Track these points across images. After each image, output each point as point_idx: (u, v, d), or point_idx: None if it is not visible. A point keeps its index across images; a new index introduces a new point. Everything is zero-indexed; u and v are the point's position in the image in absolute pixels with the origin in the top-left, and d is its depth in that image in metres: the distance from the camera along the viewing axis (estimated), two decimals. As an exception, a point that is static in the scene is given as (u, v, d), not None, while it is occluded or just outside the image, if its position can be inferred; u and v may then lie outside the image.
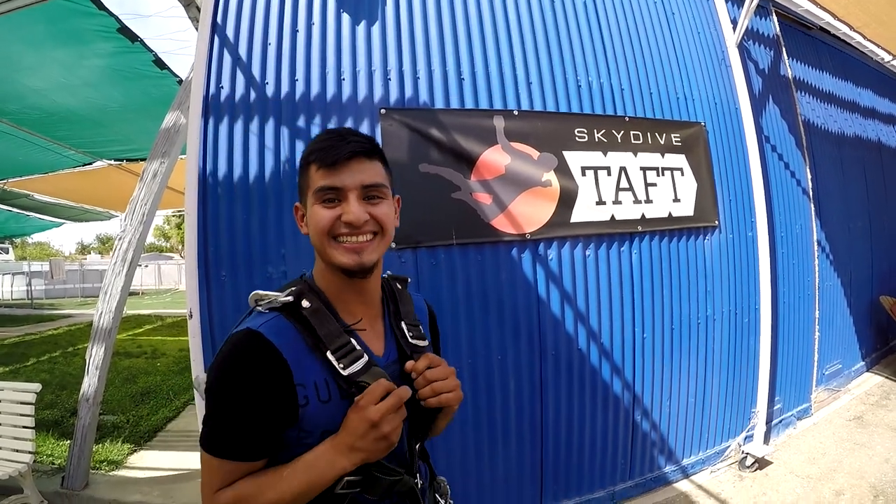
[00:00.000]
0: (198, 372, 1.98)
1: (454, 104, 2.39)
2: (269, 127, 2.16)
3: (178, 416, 4.35)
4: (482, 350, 2.34)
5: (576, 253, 2.54)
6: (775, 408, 3.32)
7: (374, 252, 0.84)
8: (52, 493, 2.95)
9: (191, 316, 1.98)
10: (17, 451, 2.74)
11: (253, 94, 2.16)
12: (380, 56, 2.33)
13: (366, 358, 0.80)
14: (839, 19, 3.89)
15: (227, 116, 2.12)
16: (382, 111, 2.26)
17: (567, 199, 2.51)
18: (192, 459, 3.40)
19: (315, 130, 2.20)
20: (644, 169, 2.74)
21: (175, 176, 3.40)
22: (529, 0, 2.65)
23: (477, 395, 2.33)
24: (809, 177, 3.70)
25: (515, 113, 2.47)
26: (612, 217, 2.61)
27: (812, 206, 3.69)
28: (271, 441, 0.77)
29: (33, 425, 2.76)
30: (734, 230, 3.09)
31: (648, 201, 2.72)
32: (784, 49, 3.75)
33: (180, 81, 3.85)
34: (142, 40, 3.38)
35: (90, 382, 3.01)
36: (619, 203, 2.64)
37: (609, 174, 2.63)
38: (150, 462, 3.46)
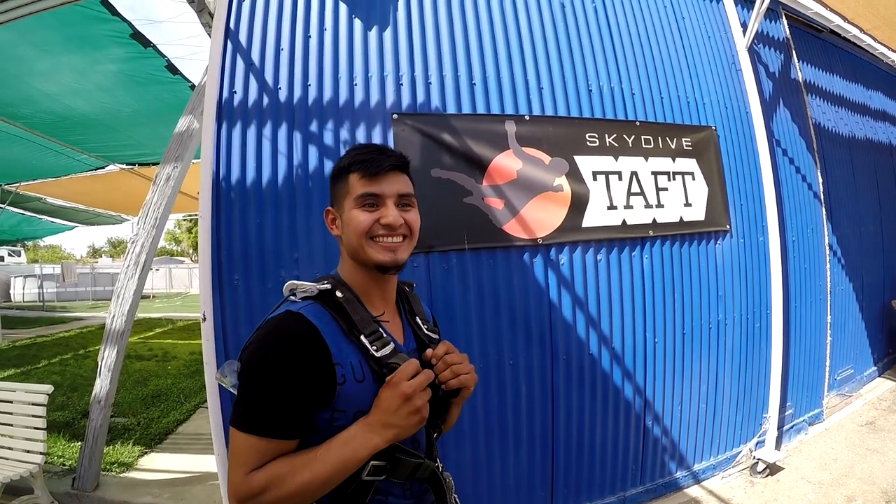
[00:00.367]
0: (210, 374, 2.00)
1: (466, 109, 2.40)
2: (282, 131, 2.17)
3: (188, 419, 4.37)
4: (494, 354, 2.34)
5: (587, 258, 2.54)
6: (787, 413, 3.29)
7: (406, 251, 0.94)
8: (62, 493, 2.97)
9: (204, 319, 1.99)
10: (28, 451, 2.76)
11: (266, 99, 2.18)
12: (392, 61, 2.34)
13: (392, 344, 0.88)
14: (849, 22, 3.87)
15: (240, 121, 2.14)
16: (395, 116, 2.27)
17: (578, 204, 2.51)
18: (202, 462, 3.41)
19: (328, 135, 2.21)
20: (655, 173, 2.74)
21: (186, 180, 3.43)
22: (540, 5, 2.66)
23: (489, 398, 2.32)
24: (820, 180, 3.68)
25: (527, 118, 2.47)
26: (624, 222, 2.61)
27: (823, 209, 3.66)
28: (307, 420, 0.81)
29: (45, 426, 2.78)
30: (745, 234, 3.07)
31: (660, 206, 2.72)
32: (794, 52, 3.74)
33: (192, 86, 3.88)
34: (154, 46, 3.41)
35: (102, 384, 3.04)
36: (631, 208, 2.64)
37: (620, 179, 2.63)
38: (160, 464, 3.48)
